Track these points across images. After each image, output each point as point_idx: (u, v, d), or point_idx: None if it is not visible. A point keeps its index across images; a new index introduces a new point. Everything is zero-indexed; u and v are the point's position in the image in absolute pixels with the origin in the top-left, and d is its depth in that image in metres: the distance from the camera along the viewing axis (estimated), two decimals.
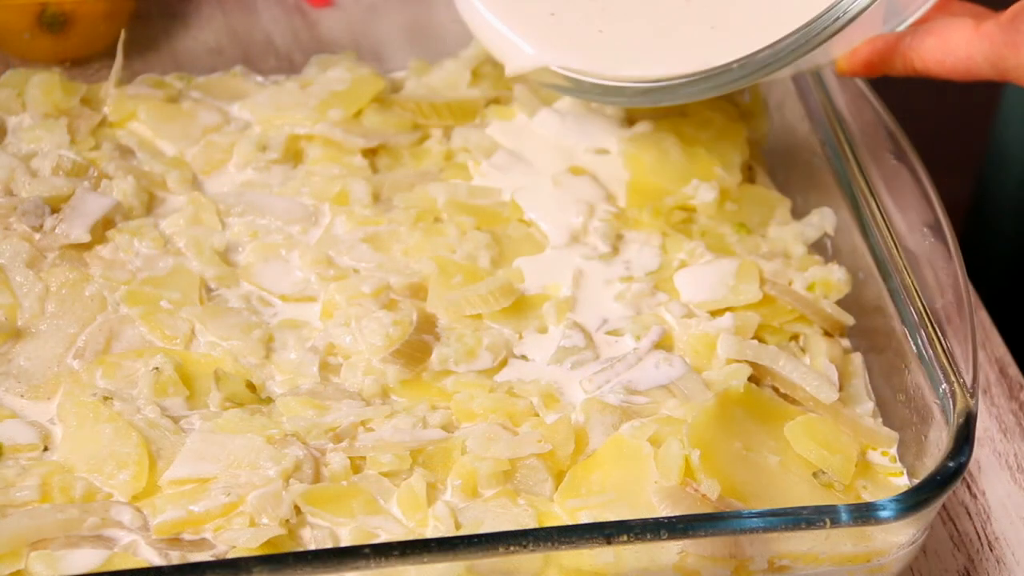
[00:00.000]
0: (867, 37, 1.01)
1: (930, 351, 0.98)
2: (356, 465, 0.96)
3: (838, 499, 0.95)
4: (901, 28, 1.01)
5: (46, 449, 0.96)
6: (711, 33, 1.05)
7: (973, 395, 0.93)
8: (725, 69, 1.03)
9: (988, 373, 1.12)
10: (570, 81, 1.10)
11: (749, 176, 1.19)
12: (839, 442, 0.98)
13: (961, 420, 0.92)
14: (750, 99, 1.24)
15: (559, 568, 0.89)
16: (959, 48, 0.97)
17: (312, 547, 0.91)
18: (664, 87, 1.06)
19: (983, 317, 1.16)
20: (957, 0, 1.05)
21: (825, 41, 0.99)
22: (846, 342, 1.07)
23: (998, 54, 0.95)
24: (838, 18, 0.98)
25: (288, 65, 1.26)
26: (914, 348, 1.00)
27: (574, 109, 1.22)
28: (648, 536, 0.86)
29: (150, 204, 1.13)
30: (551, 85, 1.13)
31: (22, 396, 0.99)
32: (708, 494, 0.93)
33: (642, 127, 1.19)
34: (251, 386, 1.00)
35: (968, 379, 0.94)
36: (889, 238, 1.05)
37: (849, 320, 1.07)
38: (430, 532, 0.92)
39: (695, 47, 1.05)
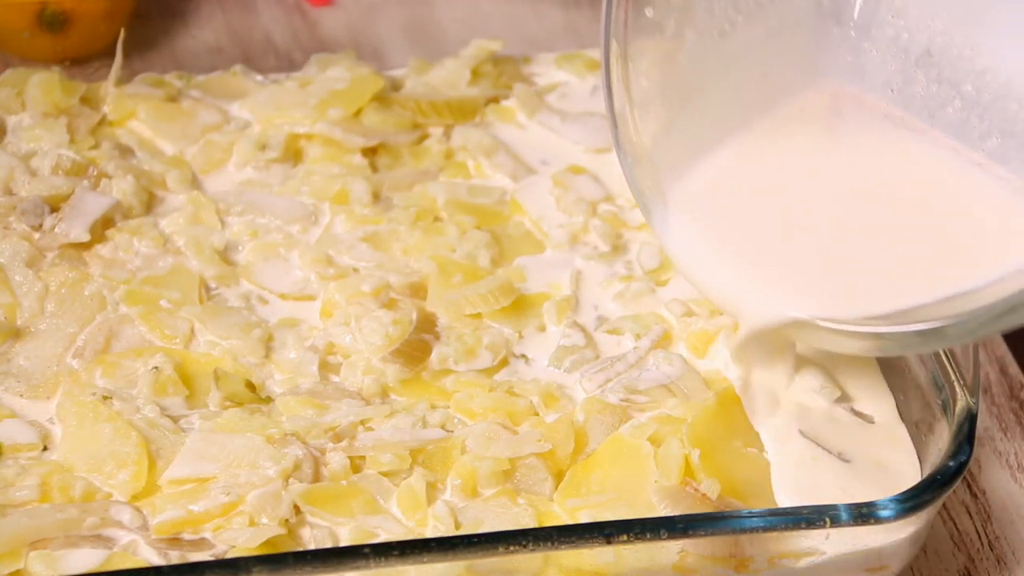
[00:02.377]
0: None
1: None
2: (356, 465, 0.96)
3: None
4: None
5: (45, 449, 0.96)
6: (958, 257, 0.92)
7: (973, 394, 0.93)
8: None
9: (988, 372, 1.12)
10: (838, 336, 0.94)
11: None
12: None
13: (961, 419, 0.92)
14: None
15: (559, 568, 0.89)
16: None
17: (311, 547, 0.91)
18: (938, 331, 0.89)
19: None
20: None
21: None
22: None
23: None
24: None
25: (288, 64, 1.26)
26: None
27: (574, 108, 1.22)
28: (648, 536, 0.86)
29: (150, 203, 1.13)
30: (816, 344, 0.98)
31: (22, 396, 0.99)
32: (708, 493, 0.93)
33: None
34: (251, 385, 1.00)
35: (968, 378, 0.94)
36: None
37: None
38: (430, 532, 0.92)
39: (951, 272, 0.91)
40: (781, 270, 0.95)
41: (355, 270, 1.08)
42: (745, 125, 1.01)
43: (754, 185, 0.99)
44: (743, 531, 0.87)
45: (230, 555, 0.90)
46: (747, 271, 0.95)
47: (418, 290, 1.07)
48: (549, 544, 0.85)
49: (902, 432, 1.00)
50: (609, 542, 0.86)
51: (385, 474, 0.95)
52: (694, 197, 0.99)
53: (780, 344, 0.98)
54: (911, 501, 0.88)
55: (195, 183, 1.15)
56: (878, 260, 0.94)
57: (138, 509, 0.92)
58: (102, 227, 1.09)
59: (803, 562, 0.90)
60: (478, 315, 1.06)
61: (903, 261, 0.93)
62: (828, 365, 1.04)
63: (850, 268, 0.94)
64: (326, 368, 1.02)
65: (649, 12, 0.99)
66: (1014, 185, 0.93)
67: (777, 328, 0.94)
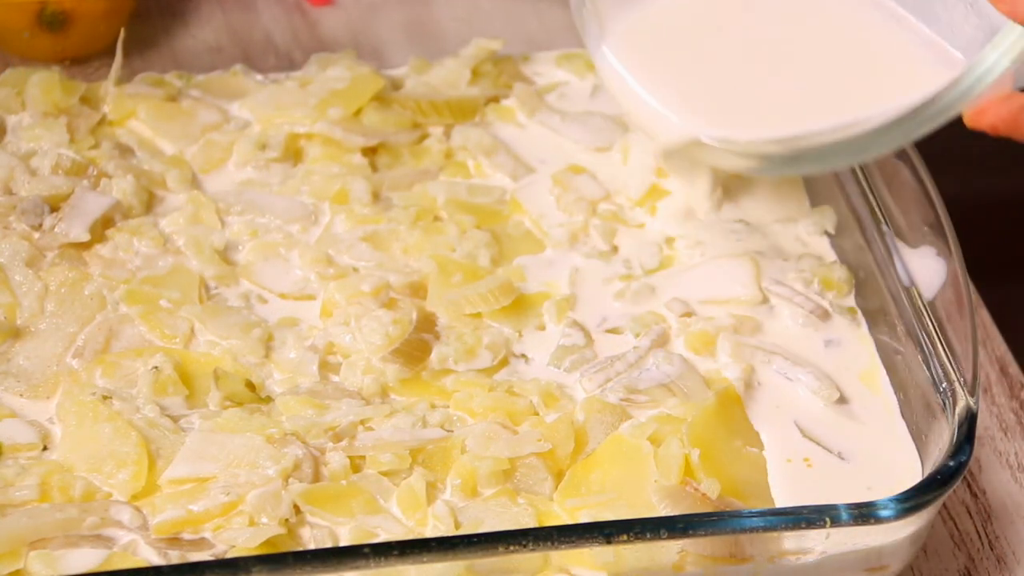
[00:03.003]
0: (995, 93, 0.93)
1: (930, 350, 0.98)
2: (356, 464, 0.95)
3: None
4: None
5: (45, 448, 0.96)
6: (855, 88, 1.00)
7: (974, 394, 0.93)
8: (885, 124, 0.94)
9: (989, 372, 1.12)
10: (734, 155, 1.01)
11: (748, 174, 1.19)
12: None
13: (962, 419, 0.92)
14: None
15: (559, 567, 0.89)
16: None
17: (311, 546, 0.91)
18: (829, 147, 0.96)
19: (984, 316, 1.16)
20: None
21: (966, 102, 0.92)
22: None
23: None
24: (974, 86, 0.91)
25: (288, 63, 1.26)
26: (914, 347, 1.00)
27: (574, 108, 1.22)
28: (648, 536, 0.86)
29: (149, 203, 1.13)
30: (714, 163, 1.06)
31: (21, 395, 0.99)
32: (708, 493, 0.93)
33: None
34: (250, 385, 1.00)
35: (969, 378, 0.94)
36: (889, 237, 1.05)
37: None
38: (429, 531, 0.92)
39: (849, 102, 0.98)
40: (689, 95, 1.02)
41: (355, 270, 1.08)
42: None
43: (679, 20, 1.04)
44: (743, 531, 0.87)
45: (230, 555, 0.90)
46: (659, 95, 1.02)
47: (418, 290, 1.07)
48: (549, 544, 0.85)
49: (902, 432, 1.00)
50: (609, 542, 0.86)
51: (385, 474, 0.95)
52: (626, 27, 1.04)
53: (694, 161, 1.07)
54: (911, 501, 0.88)
55: (195, 183, 1.15)
56: (776, 90, 1.01)
57: (138, 509, 0.92)
58: (102, 227, 1.09)
59: (803, 562, 0.90)
60: (478, 315, 1.05)
61: (796, 92, 1.00)
62: (828, 365, 1.04)
63: (750, 95, 1.01)
64: (326, 368, 1.02)
65: None
66: (919, 34, 0.99)
67: (682, 146, 1.01)
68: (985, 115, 0.93)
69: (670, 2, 1.05)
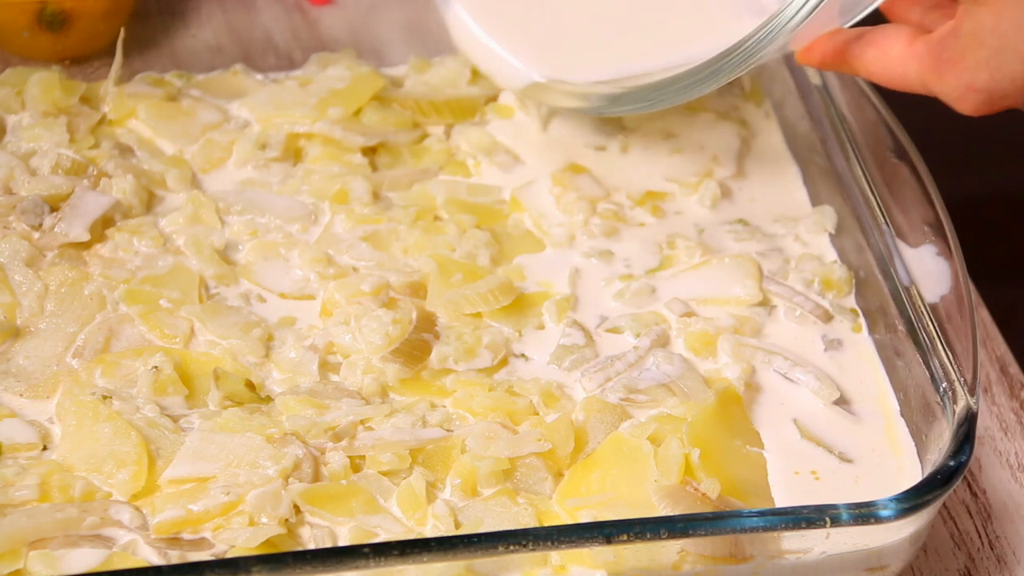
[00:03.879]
0: (824, 29, 1.00)
1: (930, 350, 0.98)
2: (355, 464, 0.95)
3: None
4: (851, 24, 1.00)
5: (45, 448, 0.96)
6: (676, 33, 1.09)
7: (974, 394, 0.93)
8: (701, 66, 1.03)
9: (989, 372, 1.12)
10: (570, 95, 1.11)
11: (748, 173, 1.18)
12: None
13: (962, 419, 0.92)
14: (749, 89, 1.24)
15: (559, 567, 0.89)
16: (894, 63, 0.97)
17: (311, 546, 0.91)
18: (653, 86, 1.06)
19: (984, 316, 1.16)
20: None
21: (777, 43, 0.98)
22: None
23: (925, 75, 0.95)
24: (792, 17, 0.97)
25: (288, 63, 1.26)
26: (914, 347, 1.00)
27: None
28: (648, 536, 0.86)
29: (149, 202, 1.13)
30: (555, 103, 1.13)
31: (21, 395, 0.99)
32: (708, 493, 0.93)
33: (640, 123, 1.19)
34: (250, 385, 1.00)
35: (969, 378, 0.94)
36: (889, 237, 1.05)
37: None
38: (429, 531, 0.92)
39: (670, 45, 1.09)
40: (529, 43, 1.12)
41: (355, 269, 1.08)
42: None
43: None
44: (743, 531, 0.87)
45: (230, 555, 0.90)
46: (504, 43, 1.12)
47: (418, 289, 1.07)
48: (549, 544, 0.85)
49: (902, 432, 1.00)
50: (609, 542, 0.86)
51: (385, 473, 0.95)
52: None
53: (539, 100, 1.17)
54: (911, 501, 0.88)
55: (195, 182, 1.15)
56: (604, 35, 1.11)
57: (138, 509, 0.92)
58: (102, 226, 1.09)
59: (803, 561, 0.90)
60: (478, 314, 1.05)
61: (621, 37, 1.11)
62: (828, 365, 1.04)
63: (582, 40, 1.12)
64: (326, 367, 1.02)
65: None
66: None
67: (526, 88, 1.12)
68: (813, 51, 1.00)
69: None
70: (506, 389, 1.01)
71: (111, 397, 0.97)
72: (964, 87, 0.93)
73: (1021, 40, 0.90)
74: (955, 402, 0.93)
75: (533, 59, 1.11)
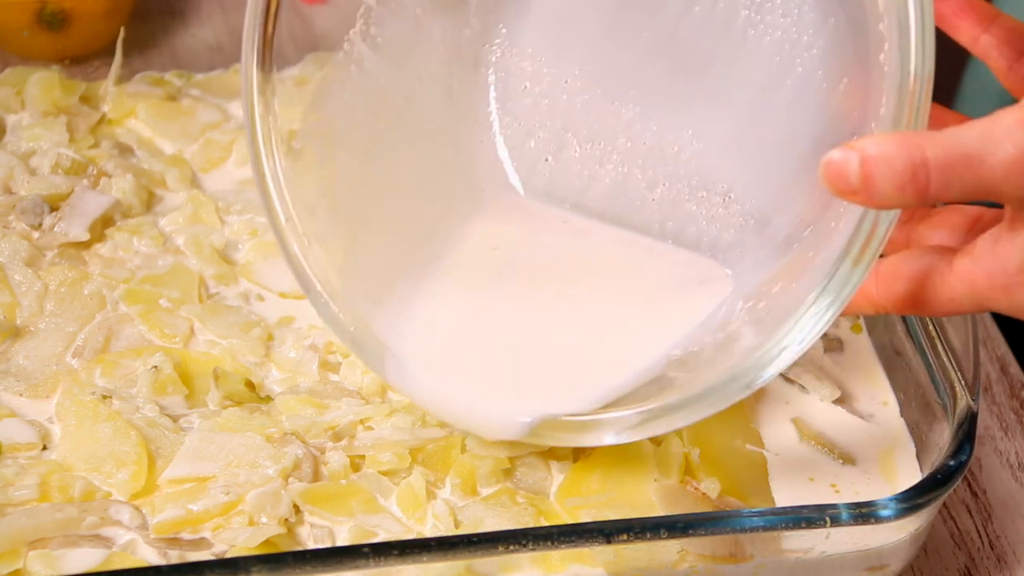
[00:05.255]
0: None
1: (930, 349, 0.98)
2: (355, 463, 0.95)
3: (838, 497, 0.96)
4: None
5: (45, 448, 0.96)
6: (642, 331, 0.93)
7: (974, 393, 0.93)
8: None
9: (989, 371, 1.12)
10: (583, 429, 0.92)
11: None
12: None
13: (962, 418, 0.92)
14: None
15: (559, 567, 0.89)
16: (939, 295, 0.81)
17: (311, 546, 0.91)
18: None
19: (984, 315, 1.16)
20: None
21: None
22: None
23: (985, 295, 0.79)
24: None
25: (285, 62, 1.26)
26: (914, 346, 0.99)
27: None
28: (648, 535, 0.86)
29: (149, 202, 1.13)
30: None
31: (21, 395, 0.99)
32: (708, 493, 0.93)
33: None
34: (250, 384, 1.00)
35: (969, 377, 0.94)
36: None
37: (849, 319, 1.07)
38: (429, 531, 0.92)
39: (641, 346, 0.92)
40: (508, 384, 0.92)
41: None
42: (431, 253, 0.97)
43: (464, 310, 0.96)
44: (743, 531, 0.87)
45: (230, 554, 0.90)
46: (481, 397, 0.91)
47: None
48: (549, 544, 0.85)
49: (902, 432, 1.00)
50: (609, 542, 0.85)
51: (385, 473, 0.95)
52: (416, 338, 0.93)
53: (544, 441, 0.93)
54: (911, 500, 0.88)
55: (195, 182, 1.15)
56: (586, 354, 0.93)
57: (137, 508, 0.92)
58: (102, 226, 1.09)
59: (803, 561, 0.90)
60: None
61: (602, 354, 0.92)
62: (828, 365, 1.04)
63: (566, 366, 0.92)
64: (326, 367, 1.02)
65: (296, 144, 0.94)
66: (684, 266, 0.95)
67: (522, 435, 0.90)
68: (873, 301, 0.83)
69: (440, 302, 0.96)
70: None
71: (111, 397, 0.97)
72: None
73: None
74: (955, 402, 0.93)
75: (529, 395, 0.91)
